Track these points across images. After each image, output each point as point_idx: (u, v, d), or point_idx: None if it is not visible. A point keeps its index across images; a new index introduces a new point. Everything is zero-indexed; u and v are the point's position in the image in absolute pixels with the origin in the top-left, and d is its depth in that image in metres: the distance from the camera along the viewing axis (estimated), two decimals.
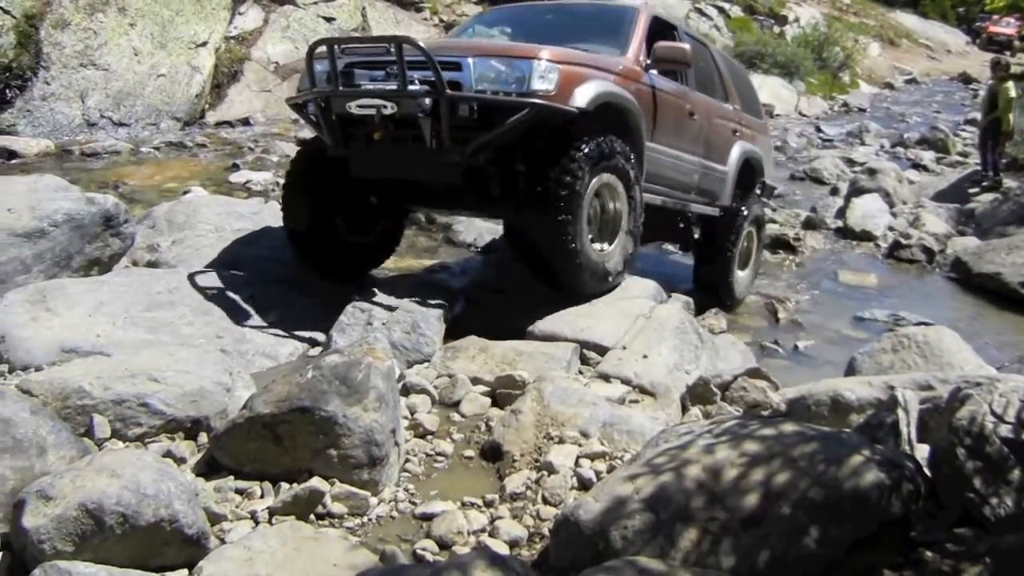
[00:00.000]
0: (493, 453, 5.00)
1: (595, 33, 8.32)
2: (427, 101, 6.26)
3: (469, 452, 5.08)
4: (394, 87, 6.39)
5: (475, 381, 5.81)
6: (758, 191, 10.85)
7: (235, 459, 4.61)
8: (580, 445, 4.92)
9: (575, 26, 8.70)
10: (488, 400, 5.67)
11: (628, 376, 5.90)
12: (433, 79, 6.17)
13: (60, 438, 4.33)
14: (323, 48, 6.56)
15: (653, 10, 8.91)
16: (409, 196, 7.79)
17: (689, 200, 9.06)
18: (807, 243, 12.71)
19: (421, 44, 6.22)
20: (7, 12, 15.85)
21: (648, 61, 7.94)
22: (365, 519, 4.38)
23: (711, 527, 3.47)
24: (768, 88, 29.85)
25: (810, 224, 13.70)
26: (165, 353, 5.41)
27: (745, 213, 9.69)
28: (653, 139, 7.92)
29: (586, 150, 6.58)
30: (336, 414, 4.49)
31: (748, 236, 9.99)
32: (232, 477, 4.56)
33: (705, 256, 9.71)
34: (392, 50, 6.33)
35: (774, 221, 13.79)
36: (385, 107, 6.40)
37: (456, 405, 5.61)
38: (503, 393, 5.64)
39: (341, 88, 6.60)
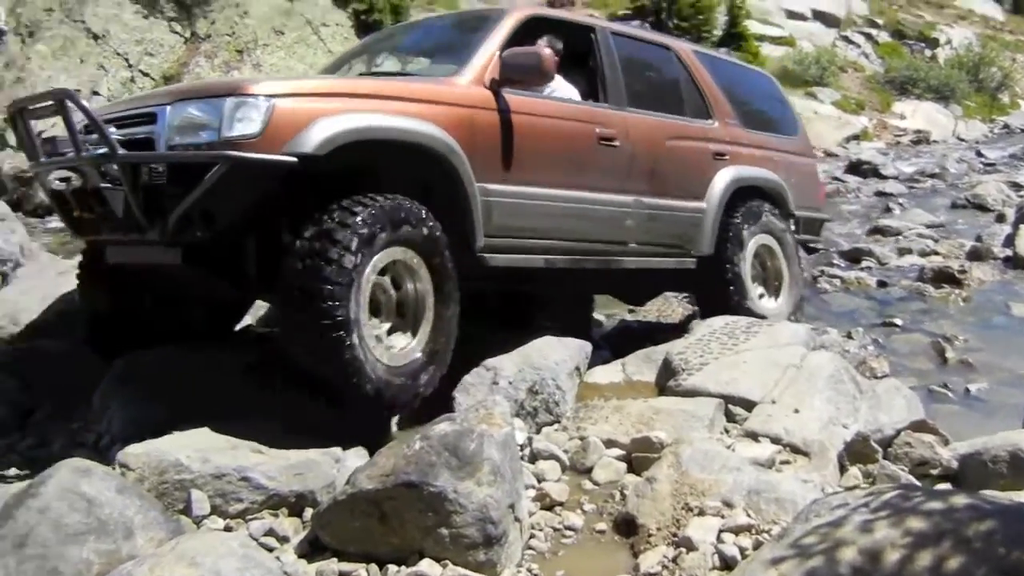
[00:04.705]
0: (627, 526, 4.54)
1: (447, 48, 6.94)
2: (114, 168, 5.05)
3: (601, 525, 4.64)
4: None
5: (609, 444, 5.34)
6: (788, 223, 8.44)
7: (339, 539, 4.26)
8: (723, 517, 4.40)
9: (429, 43, 7.42)
10: (623, 465, 5.19)
11: (778, 434, 5.35)
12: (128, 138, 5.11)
13: (148, 518, 4.10)
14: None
15: (535, 11, 7.09)
16: (165, 285, 6.13)
17: (618, 254, 7.08)
18: (973, 275, 11.86)
19: (80, 101, 5.06)
20: (146, 75, 16.21)
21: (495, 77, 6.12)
22: None
23: None
24: (922, 113, 29.27)
25: (976, 254, 12.84)
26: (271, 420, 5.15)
27: (735, 261, 7.71)
28: (508, 180, 6.08)
29: (357, 216, 5.00)
30: (446, 489, 4.11)
31: (768, 253, 8.19)
32: (336, 558, 4.21)
33: (705, 301, 7.98)
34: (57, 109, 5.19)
35: (936, 253, 13.03)
36: (70, 179, 5.37)
37: (588, 471, 5.15)
38: (639, 457, 5.16)
39: (40, 159, 5.55)
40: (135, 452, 4.68)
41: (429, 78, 6.20)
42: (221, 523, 4.49)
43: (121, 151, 5.00)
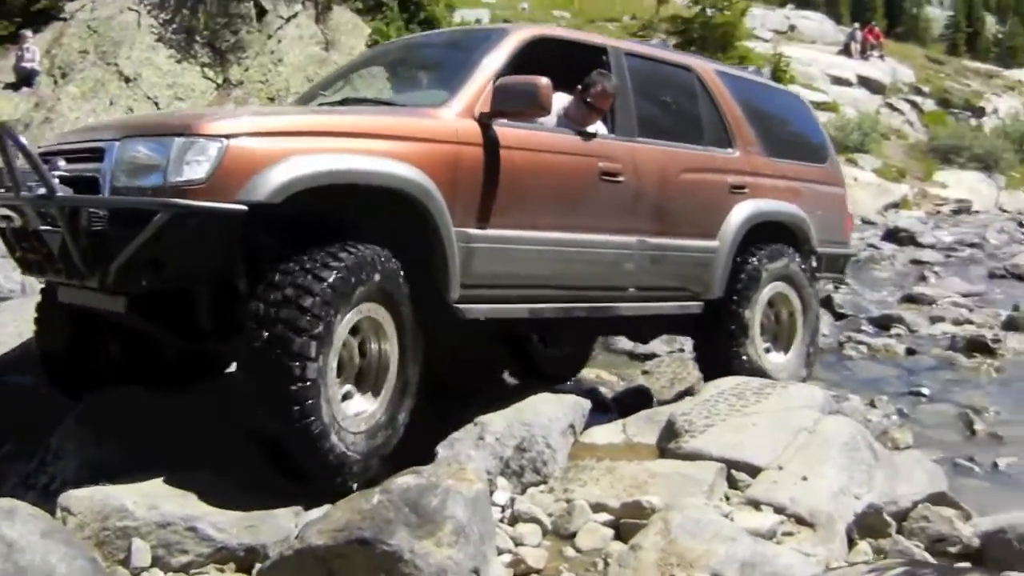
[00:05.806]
0: None
1: (440, 72, 6.45)
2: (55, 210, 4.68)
3: None
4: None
5: (597, 508, 4.92)
6: (809, 262, 7.75)
7: None
8: None
9: (423, 64, 6.94)
10: (610, 531, 4.76)
11: (782, 502, 4.90)
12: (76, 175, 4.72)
13: (73, 567, 3.76)
14: None
15: (538, 30, 6.59)
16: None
17: (613, 300, 6.52)
18: (1008, 345, 11.35)
19: (19, 138, 4.67)
20: None
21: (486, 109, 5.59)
22: None
23: None
24: (965, 183, 29.26)
25: (1012, 324, 12.36)
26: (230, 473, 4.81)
27: (744, 309, 7.07)
28: (492, 225, 5.57)
29: (328, 275, 4.56)
30: (401, 549, 3.76)
31: (781, 301, 7.50)
32: None
33: (703, 348, 7.48)
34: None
35: (970, 322, 12.55)
36: (10, 219, 5.00)
37: (572, 537, 4.73)
38: (628, 523, 4.72)
39: None
40: (79, 495, 4.41)
41: (410, 109, 5.71)
42: None
43: (61, 192, 4.57)
